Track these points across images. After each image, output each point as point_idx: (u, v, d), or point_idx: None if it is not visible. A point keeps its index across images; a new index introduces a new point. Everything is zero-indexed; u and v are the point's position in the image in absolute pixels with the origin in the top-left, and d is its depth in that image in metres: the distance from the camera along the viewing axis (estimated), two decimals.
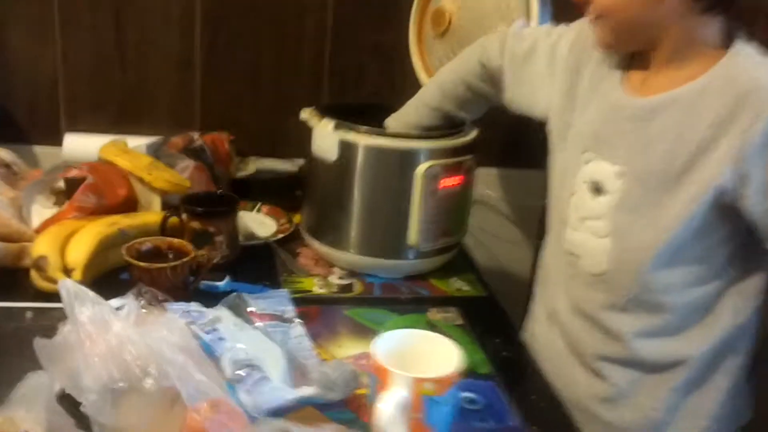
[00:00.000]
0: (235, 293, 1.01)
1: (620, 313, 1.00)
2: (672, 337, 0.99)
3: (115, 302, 0.85)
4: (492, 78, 1.18)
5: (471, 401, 0.92)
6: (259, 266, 1.21)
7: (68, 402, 0.77)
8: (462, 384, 0.80)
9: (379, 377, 0.78)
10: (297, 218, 1.37)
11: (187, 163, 1.31)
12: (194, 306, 0.92)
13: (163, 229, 1.15)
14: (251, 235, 1.31)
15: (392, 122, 1.26)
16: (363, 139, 1.16)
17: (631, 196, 0.96)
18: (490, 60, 1.17)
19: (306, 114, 1.24)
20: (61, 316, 0.81)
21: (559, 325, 1.10)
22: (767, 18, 0.96)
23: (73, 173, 1.20)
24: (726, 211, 0.92)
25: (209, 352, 0.83)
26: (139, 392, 0.75)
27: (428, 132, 1.21)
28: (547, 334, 1.13)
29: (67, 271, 1.05)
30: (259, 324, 0.96)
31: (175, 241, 1.09)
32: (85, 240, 1.08)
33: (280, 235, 1.31)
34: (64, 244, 1.08)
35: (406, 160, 1.16)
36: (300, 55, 1.59)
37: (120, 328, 0.77)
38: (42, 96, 1.55)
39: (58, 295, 0.80)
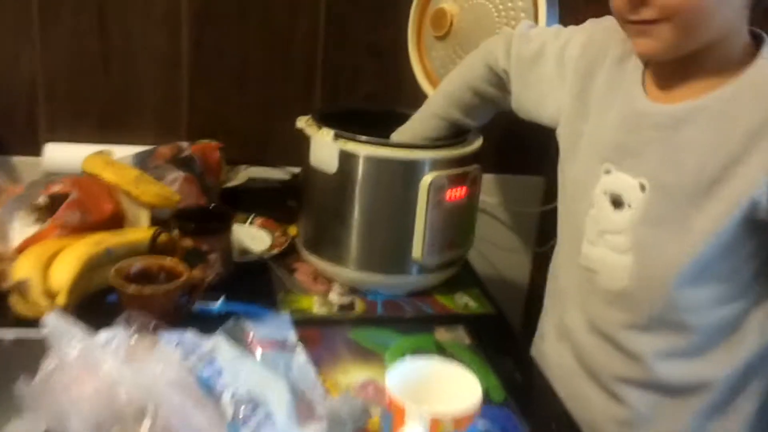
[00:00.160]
0: (232, 319, 0.94)
1: (641, 333, 0.95)
2: (695, 358, 0.94)
3: (103, 336, 0.78)
4: (500, 81, 1.13)
5: None
6: (253, 284, 1.15)
7: None
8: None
9: (395, 414, 0.73)
10: (292, 230, 1.30)
11: (176, 175, 1.25)
12: (189, 335, 0.85)
13: (152, 247, 1.08)
14: (245, 251, 1.24)
15: (397, 137, 1.21)
16: (364, 150, 1.10)
17: (655, 210, 0.91)
18: (497, 61, 1.12)
19: (302, 123, 1.18)
20: (43, 346, 0.74)
21: (572, 343, 1.05)
22: None
23: (56, 189, 1.12)
24: (754, 225, 0.87)
25: (208, 388, 0.77)
26: None
27: (432, 142, 1.15)
28: (558, 352, 1.08)
29: (51, 295, 0.98)
30: (259, 352, 0.91)
31: (167, 260, 1.03)
32: (69, 261, 1.02)
33: (276, 250, 1.24)
34: (46, 265, 1.01)
35: (410, 171, 1.10)
36: (291, 56, 1.52)
37: (110, 367, 0.71)
38: (19, 102, 1.46)
39: (40, 322, 0.73)
